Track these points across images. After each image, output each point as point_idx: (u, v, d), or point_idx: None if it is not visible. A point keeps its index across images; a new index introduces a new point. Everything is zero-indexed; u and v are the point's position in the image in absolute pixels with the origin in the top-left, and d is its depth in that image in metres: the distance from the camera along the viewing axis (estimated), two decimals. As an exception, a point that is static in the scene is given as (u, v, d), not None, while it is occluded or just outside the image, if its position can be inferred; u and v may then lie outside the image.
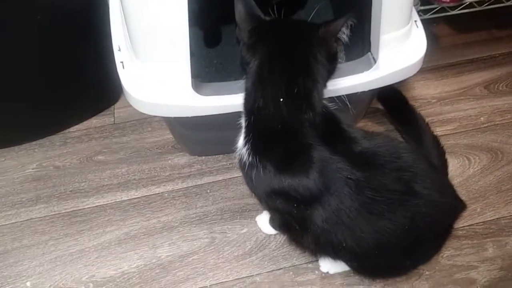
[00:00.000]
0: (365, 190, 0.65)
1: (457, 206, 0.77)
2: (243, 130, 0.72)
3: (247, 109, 0.70)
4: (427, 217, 0.68)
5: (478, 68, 1.29)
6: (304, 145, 0.66)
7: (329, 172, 0.66)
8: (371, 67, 0.81)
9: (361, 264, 0.80)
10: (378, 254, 0.70)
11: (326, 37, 0.67)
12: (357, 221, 0.66)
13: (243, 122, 0.72)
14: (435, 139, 0.95)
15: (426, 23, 1.28)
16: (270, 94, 0.65)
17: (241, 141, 0.71)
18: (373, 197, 0.65)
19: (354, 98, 0.85)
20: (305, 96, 0.66)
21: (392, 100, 1.06)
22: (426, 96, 1.22)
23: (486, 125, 1.16)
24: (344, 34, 0.68)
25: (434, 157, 0.89)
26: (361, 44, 0.88)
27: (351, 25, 0.68)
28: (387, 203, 0.66)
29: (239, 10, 0.68)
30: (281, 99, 0.64)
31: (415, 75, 0.89)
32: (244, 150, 0.70)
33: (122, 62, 0.81)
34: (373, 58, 0.82)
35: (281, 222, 0.82)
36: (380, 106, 1.17)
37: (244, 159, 0.70)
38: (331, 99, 0.74)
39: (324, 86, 0.68)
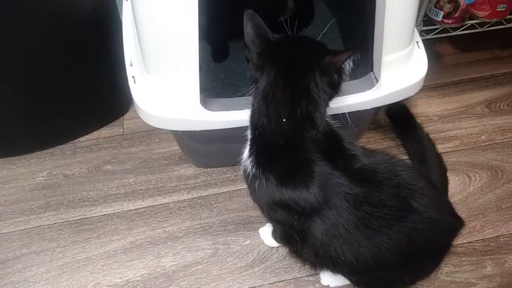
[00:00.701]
0: (363, 205, 0.67)
1: (455, 224, 0.79)
2: (248, 142, 0.74)
3: (253, 123, 0.73)
4: (424, 234, 0.70)
5: (480, 87, 1.31)
6: (306, 160, 0.68)
7: (329, 187, 0.68)
8: (373, 86, 0.83)
9: (360, 278, 0.81)
10: (376, 269, 0.71)
11: (329, 68, 0.69)
12: (355, 235, 0.68)
13: (248, 134, 0.74)
14: (438, 157, 0.97)
15: (429, 42, 1.32)
16: (273, 114, 0.68)
17: (246, 152, 0.74)
18: (371, 212, 0.67)
19: (356, 116, 0.87)
20: (308, 117, 0.68)
21: (399, 116, 1.08)
22: (428, 114, 1.25)
23: (487, 143, 1.18)
24: (348, 65, 0.70)
25: (436, 174, 0.92)
26: (365, 63, 0.91)
27: (354, 59, 0.70)
28: (385, 218, 0.67)
29: (248, 32, 0.70)
30: (284, 120, 0.67)
31: (418, 92, 0.91)
32: (249, 162, 0.72)
33: (133, 77, 0.85)
34: (375, 77, 0.84)
35: (283, 234, 0.84)
36: (383, 123, 1.20)
37: (248, 170, 0.72)
38: (335, 116, 0.76)
39: (327, 106, 0.71)
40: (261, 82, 0.69)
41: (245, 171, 0.74)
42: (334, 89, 0.71)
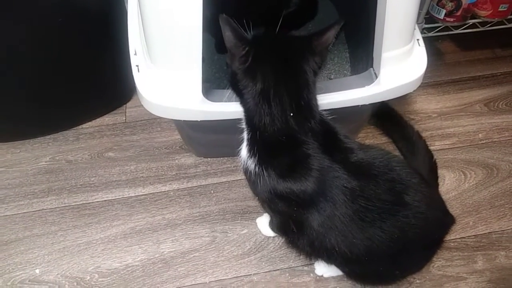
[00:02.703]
0: (359, 199, 0.69)
1: (446, 221, 0.81)
2: (245, 142, 0.75)
3: (250, 125, 0.73)
4: (416, 229, 0.72)
5: (480, 85, 1.33)
6: (306, 155, 0.70)
7: (327, 180, 0.70)
8: (373, 82, 0.84)
9: (352, 269, 0.83)
10: (368, 261, 0.74)
11: (320, 49, 0.70)
12: (350, 227, 0.70)
13: (245, 134, 0.75)
14: (429, 153, 0.99)
15: (431, 40, 1.33)
16: (277, 112, 0.68)
17: (245, 152, 0.75)
18: (366, 206, 0.69)
19: (355, 110, 0.89)
20: (308, 106, 0.70)
21: (386, 117, 1.12)
22: (427, 111, 1.26)
23: (483, 141, 1.19)
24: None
25: (427, 170, 0.93)
26: (366, 59, 0.92)
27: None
28: (379, 212, 0.69)
29: (228, 35, 0.68)
30: (291, 114, 0.68)
31: (417, 89, 0.92)
32: (250, 161, 0.73)
33: (137, 66, 0.86)
34: (375, 73, 0.85)
35: (280, 225, 0.86)
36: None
37: (250, 169, 0.74)
38: (332, 111, 0.78)
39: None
40: (255, 85, 0.68)
41: (246, 170, 0.75)
42: (320, 68, 0.72)
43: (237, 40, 0.68)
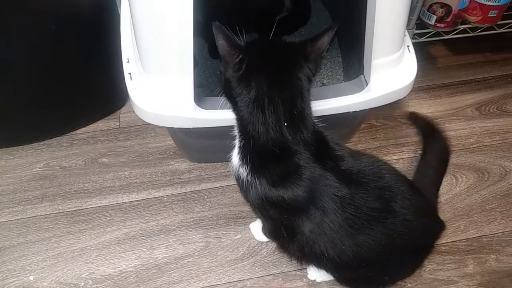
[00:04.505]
0: (349, 207, 0.70)
1: (435, 228, 0.81)
2: (237, 149, 0.75)
3: (243, 133, 0.73)
4: (403, 235, 0.72)
5: (471, 89, 1.34)
6: (298, 165, 0.70)
7: (318, 188, 0.70)
8: (363, 89, 0.85)
9: (342, 275, 0.84)
10: (357, 267, 0.74)
11: (314, 55, 0.69)
12: (339, 234, 0.71)
13: (237, 142, 0.76)
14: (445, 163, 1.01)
15: (423, 44, 1.34)
16: (271, 121, 0.68)
17: (236, 159, 0.75)
18: (355, 213, 0.70)
19: (347, 117, 0.90)
20: (302, 115, 0.70)
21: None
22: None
23: (475, 145, 1.20)
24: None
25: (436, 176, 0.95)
26: (358, 65, 0.93)
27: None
28: (367, 219, 0.70)
29: (222, 44, 0.67)
30: (285, 124, 0.68)
31: (410, 93, 0.93)
32: (242, 170, 0.73)
33: (130, 74, 0.87)
34: (365, 80, 0.86)
35: (271, 230, 0.87)
36: (374, 123, 1.23)
37: (242, 177, 0.74)
38: (323, 118, 0.79)
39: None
40: (249, 93, 0.68)
41: (238, 177, 0.76)
42: (314, 75, 0.72)
43: (231, 48, 0.68)
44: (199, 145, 1.07)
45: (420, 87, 1.33)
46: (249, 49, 0.70)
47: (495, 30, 1.25)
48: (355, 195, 0.70)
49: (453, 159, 1.17)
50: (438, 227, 0.82)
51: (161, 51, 0.78)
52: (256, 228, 1.01)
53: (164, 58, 0.79)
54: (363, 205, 0.70)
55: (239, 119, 0.73)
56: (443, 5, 1.12)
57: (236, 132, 0.76)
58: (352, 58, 1.02)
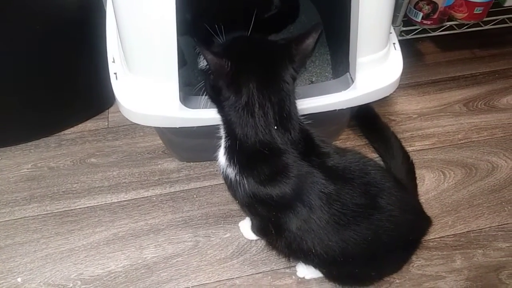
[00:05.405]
0: (335, 203, 0.70)
1: (422, 223, 0.82)
2: (223, 150, 0.75)
3: (230, 135, 0.72)
4: (389, 231, 0.73)
5: (459, 85, 1.35)
6: (286, 164, 0.70)
7: (305, 186, 0.71)
8: (349, 87, 0.85)
9: (329, 270, 0.85)
10: (344, 262, 0.75)
11: (301, 57, 0.70)
12: (325, 230, 0.71)
13: (223, 142, 0.75)
14: (406, 155, 1.01)
15: (411, 41, 1.34)
16: (262, 124, 0.68)
17: (223, 159, 0.75)
18: (341, 210, 0.70)
19: (334, 114, 0.90)
20: (290, 117, 0.70)
21: (365, 118, 1.12)
22: (407, 111, 1.28)
23: (463, 141, 1.21)
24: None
25: (404, 171, 0.95)
26: (345, 63, 0.93)
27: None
28: (353, 215, 0.71)
29: (211, 59, 0.67)
30: (275, 127, 0.68)
31: (398, 90, 0.93)
32: (230, 170, 0.74)
33: (115, 73, 0.86)
34: (351, 78, 0.87)
35: (260, 227, 0.87)
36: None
37: (230, 177, 0.74)
38: (309, 116, 0.79)
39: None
40: (239, 98, 0.68)
41: (226, 177, 0.76)
42: (298, 74, 0.72)
43: (220, 59, 0.67)
44: (187, 144, 1.07)
45: (408, 83, 1.34)
46: (236, 54, 0.70)
47: (481, 26, 1.25)
48: (341, 191, 0.70)
49: (441, 155, 1.18)
50: (425, 223, 0.82)
51: (144, 51, 0.77)
52: (245, 226, 1.01)
53: (148, 58, 0.78)
54: (349, 201, 0.70)
55: (226, 121, 0.72)
56: (430, 2, 1.13)
57: (222, 132, 0.76)
58: (339, 55, 1.02)
